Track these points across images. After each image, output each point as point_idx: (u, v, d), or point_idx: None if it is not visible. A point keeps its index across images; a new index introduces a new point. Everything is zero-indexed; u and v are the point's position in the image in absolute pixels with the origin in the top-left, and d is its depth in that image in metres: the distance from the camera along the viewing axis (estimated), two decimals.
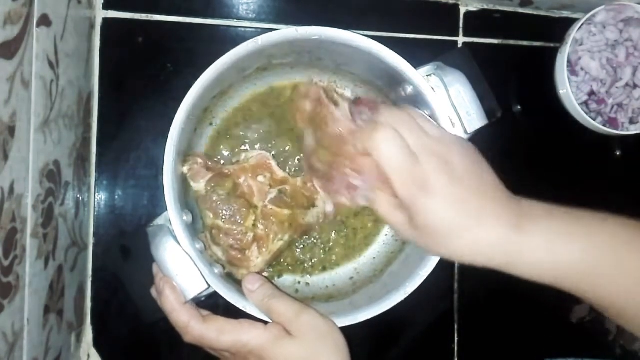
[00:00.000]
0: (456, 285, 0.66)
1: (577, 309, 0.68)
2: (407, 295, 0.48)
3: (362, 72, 0.54)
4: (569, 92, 0.59)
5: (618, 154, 0.69)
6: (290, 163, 0.56)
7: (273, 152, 0.55)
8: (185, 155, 0.50)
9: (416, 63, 0.48)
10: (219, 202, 0.49)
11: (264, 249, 0.50)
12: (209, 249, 0.50)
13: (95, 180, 0.60)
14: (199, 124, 0.54)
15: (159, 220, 0.48)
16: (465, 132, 0.48)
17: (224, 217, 0.49)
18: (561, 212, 0.41)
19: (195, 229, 0.50)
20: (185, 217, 0.47)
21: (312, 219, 0.52)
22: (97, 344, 0.60)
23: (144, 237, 0.46)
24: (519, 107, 0.68)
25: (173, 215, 0.45)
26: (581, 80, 0.63)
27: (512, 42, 0.67)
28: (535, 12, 0.68)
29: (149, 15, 0.61)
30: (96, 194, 0.60)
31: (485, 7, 0.67)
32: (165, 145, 0.46)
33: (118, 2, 0.60)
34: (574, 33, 0.60)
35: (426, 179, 0.40)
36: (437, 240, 0.41)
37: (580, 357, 0.59)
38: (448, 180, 0.40)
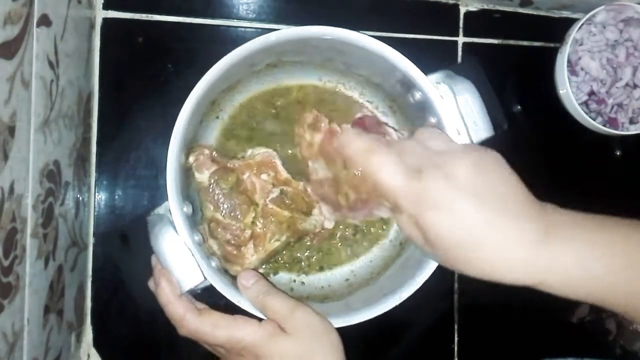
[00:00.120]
0: (456, 285, 0.66)
1: (577, 309, 0.68)
2: (403, 300, 0.47)
3: (371, 75, 0.54)
4: (569, 92, 0.59)
5: (618, 154, 0.69)
6: (293, 168, 0.55)
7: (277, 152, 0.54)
8: (190, 146, 0.50)
9: (416, 63, 0.48)
10: (220, 196, 0.49)
11: (260, 248, 0.50)
12: (206, 242, 0.50)
13: (95, 180, 0.60)
14: (205, 116, 0.53)
15: (160, 210, 0.48)
16: (471, 141, 0.48)
17: (224, 211, 0.49)
18: (586, 218, 0.39)
19: (194, 220, 0.50)
20: (185, 208, 0.47)
21: (309, 226, 0.52)
22: (97, 344, 0.60)
23: (144, 225, 0.46)
24: (519, 107, 0.68)
25: (173, 205, 0.45)
26: (581, 80, 0.63)
27: (512, 42, 0.67)
28: (535, 12, 0.68)
29: (149, 15, 0.60)
30: (96, 194, 0.60)
31: (485, 7, 0.67)
32: (167, 144, 0.45)
33: (118, 2, 0.60)
34: (574, 33, 0.60)
35: (427, 194, 0.38)
36: (451, 255, 0.39)
37: (580, 357, 0.59)
38: (453, 193, 0.38)
